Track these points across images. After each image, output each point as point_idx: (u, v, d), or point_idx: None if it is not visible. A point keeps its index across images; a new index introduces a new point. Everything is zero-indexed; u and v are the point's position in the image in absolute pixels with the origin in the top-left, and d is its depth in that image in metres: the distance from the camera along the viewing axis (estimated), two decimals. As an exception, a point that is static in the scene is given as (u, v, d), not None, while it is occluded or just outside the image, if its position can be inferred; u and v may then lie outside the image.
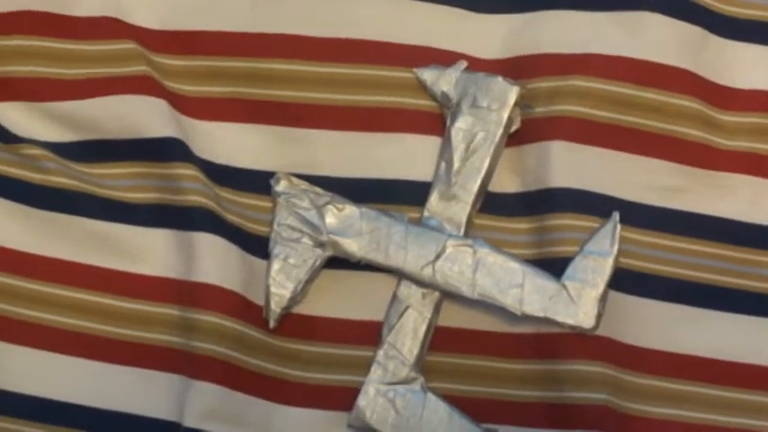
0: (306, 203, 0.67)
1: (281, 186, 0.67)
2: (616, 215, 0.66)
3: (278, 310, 0.67)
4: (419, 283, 0.66)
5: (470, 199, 0.67)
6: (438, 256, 0.66)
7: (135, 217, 0.68)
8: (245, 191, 0.69)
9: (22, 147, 0.69)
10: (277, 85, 0.69)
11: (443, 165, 0.67)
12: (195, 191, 0.67)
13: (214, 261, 0.66)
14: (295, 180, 0.68)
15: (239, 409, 0.66)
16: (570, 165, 0.67)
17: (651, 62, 0.68)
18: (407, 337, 0.66)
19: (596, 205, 0.66)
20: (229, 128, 0.69)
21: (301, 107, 0.69)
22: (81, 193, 0.69)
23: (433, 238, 0.66)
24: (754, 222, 0.68)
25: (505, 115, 0.67)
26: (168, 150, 0.68)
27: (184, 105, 0.69)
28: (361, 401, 0.66)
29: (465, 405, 0.66)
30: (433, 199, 0.67)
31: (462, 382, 0.67)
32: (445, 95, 0.68)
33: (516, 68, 0.68)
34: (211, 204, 0.67)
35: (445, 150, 0.67)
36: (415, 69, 0.68)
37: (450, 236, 0.66)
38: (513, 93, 0.67)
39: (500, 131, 0.67)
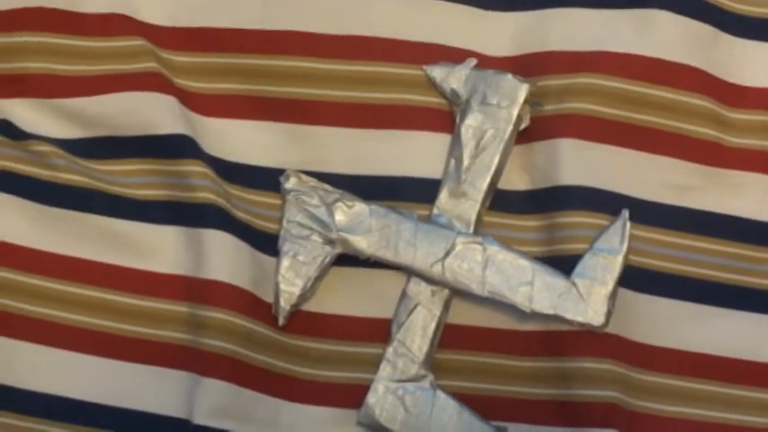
0: (315, 201, 0.67)
1: (290, 183, 0.67)
2: (626, 213, 0.66)
3: (287, 308, 0.67)
4: (428, 280, 0.66)
5: (480, 196, 0.66)
6: (447, 254, 0.66)
7: (144, 214, 0.68)
8: (255, 188, 0.69)
9: (32, 143, 0.69)
10: (287, 82, 0.69)
11: (453, 162, 0.67)
12: (205, 188, 0.67)
13: (223, 258, 0.66)
14: (304, 177, 0.68)
15: (248, 406, 0.66)
16: (580, 162, 0.67)
17: (661, 60, 0.68)
18: (417, 335, 0.66)
19: (606, 203, 0.66)
20: (239, 125, 0.69)
21: (311, 104, 0.69)
22: (90, 189, 0.69)
23: (443, 235, 0.66)
24: (765, 220, 0.67)
25: (515, 112, 0.67)
26: (178, 147, 0.68)
27: (194, 102, 0.69)
28: (371, 399, 0.66)
29: (474, 402, 0.66)
30: (443, 196, 0.67)
31: (471, 379, 0.67)
32: (455, 93, 0.67)
33: (526, 66, 0.68)
34: (221, 201, 0.67)
35: (455, 148, 0.67)
36: (424, 66, 0.68)
37: (459, 233, 0.66)
38: (522, 90, 0.67)
39: (510, 129, 0.67)
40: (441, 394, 0.65)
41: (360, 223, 0.67)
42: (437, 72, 0.68)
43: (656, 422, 0.66)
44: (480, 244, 0.66)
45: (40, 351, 0.68)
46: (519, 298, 0.65)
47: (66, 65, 0.70)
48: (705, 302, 0.66)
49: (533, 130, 0.68)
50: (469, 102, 0.67)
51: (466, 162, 0.67)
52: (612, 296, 0.65)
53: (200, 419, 0.66)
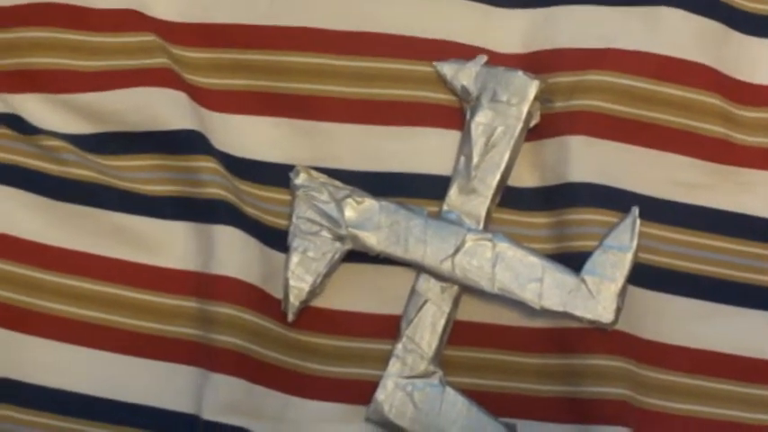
0: (325, 197, 0.67)
1: (300, 179, 0.67)
2: (635, 210, 0.66)
3: (297, 304, 0.67)
4: (438, 276, 0.66)
5: (490, 193, 0.66)
6: (457, 250, 0.66)
7: (154, 209, 0.68)
8: (265, 184, 0.69)
9: (42, 138, 0.69)
10: (297, 79, 0.69)
11: (463, 159, 0.67)
12: (214, 183, 0.67)
13: (233, 254, 0.67)
14: (314, 173, 0.68)
15: (257, 401, 0.66)
16: (590, 159, 0.67)
17: (671, 57, 0.68)
18: (426, 331, 0.66)
19: (616, 200, 0.66)
20: (249, 121, 0.69)
21: (321, 100, 0.69)
22: (100, 185, 0.69)
23: (453, 231, 0.66)
24: (775, 218, 0.68)
25: (525, 110, 0.67)
26: (188, 143, 0.68)
27: (204, 98, 0.69)
28: (380, 395, 0.66)
29: (483, 399, 0.66)
30: (453, 193, 0.67)
31: (481, 376, 0.67)
32: (465, 89, 0.67)
33: (536, 63, 0.68)
34: (230, 197, 0.67)
35: (465, 144, 0.67)
36: (435, 63, 0.68)
37: (469, 230, 0.66)
38: (533, 87, 0.67)
39: (520, 126, 0.67)
40: (450, 391, 0.65)
41: (369, 219, 0.67)
42: (447, 69, 0.68)
43: (666, 420, 0.66)
44: (490, 241, 0.66)
45: (49, 346, 0.68)
46: (528, 295, 0.65)
47: (76, 60, 0.70)
48: (715, 300, 0.66)
49: (543, 127, 0.68)
50: (480, 99, 0.67)
51: (476, 159, 0.67)
52: (622, 293, 0.65)
53: (208, 415, 0.66)
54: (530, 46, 0.69)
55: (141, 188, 0.69)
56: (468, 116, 0.67)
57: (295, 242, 0.67)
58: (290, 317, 0.67)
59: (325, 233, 0.67)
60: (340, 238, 0.67)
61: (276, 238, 0.68)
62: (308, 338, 0.67)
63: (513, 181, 0.68)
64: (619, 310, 0.65)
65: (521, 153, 0.68)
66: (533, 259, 0.65)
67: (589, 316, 0.65)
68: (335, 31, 0.69)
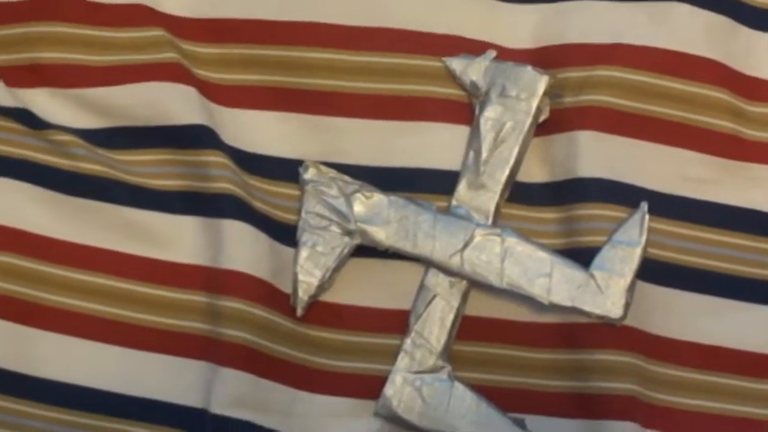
0: (334, 191, 0.67)
1: (309, 174, 0.68)
2: (644, 205, 0.66)
3: (305, 298, 0.67)
4: (447, 271, 0.66)
5: (499, 188, 0.67)
6: (466, 245, 0.66)
7: (163, 204, 0.68)
8: (274, 178, 0.69)
9: (51, 132, 0.69)
10: (306, 74, 0.69)
11: (472, 154, 0.67)
12: (224, 178, 0.67)
13: (242, 248, 0.67)
14: (323, 168, 0.68)
15: (266, 396, 0.66)
16: (599, 154, 0.67)
17: (680, 52, 0.68)
18: (435, 326, 0.66)
19: (625, 195, 0.66)
20: (258, 115, 0.69)
21: (330, 95, 0.69)
22: (110, 179, 0.69)
23: (462, 226, 0.66)
24: (784, 214, 0.68)
25: (534, 105, 0.67)
26: (197, 137, 0.68)
27: (213, 93, 0.70)
28: (388, 390, 0.66)
29: (492, 394, 0.66)
30: (462, 188, 0.67)
31: (489, 371, 0.67)
32: (474, 84, 0.68)
33: (545, 58, 0.68)
34: (240, 192, 0.67)
35: (474, 139, 0.67)
36: (444, 58, 0.68)
37: (478, 225, 0.66)
38: (542, 82, 0.67)
39: (529, 121, 0.67)
40: (458, 386, 0.65)
41: (378, 214, 0.67)
42: (456, 64, 0.68)
43: (674, 415, 0.66)
44: (499, 236, 0.66)
45: (58, 340, 0.68)
46: (537, 290, 0.65)
47: (86, 55, 0.70)
48: (724, 296, 0.66)
49: (552, 123, 0.68)
50: (489, 94, 0.67)
51: (485, 154, 0.67)
52: (631, 288, 0.65)
53: (217, 409, 0.66)
54: (539, 41, 0.69)
55: (151, 183, 0.69)
56: (477, 111, 0.67)
57: (304, 237, 0.67)
58: (299, 311, 0.67)
59: (334, 228, 0.67)
60: (349, 233, 0.67)
61: (285, 233, 0.68)
62: (317, 333, 0.67)
63: (522, 176, 0.68)
64: (627, 306, 0.65)
65: (530, 148, 0.68)
66: (542, 254, 0.65)
67: (598, 311, 0.65)
68: (345, 26, 0.69)
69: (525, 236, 0.66)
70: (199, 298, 0.68)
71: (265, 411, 0.66)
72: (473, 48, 0.69)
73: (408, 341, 0.66)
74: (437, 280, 0.66)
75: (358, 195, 0.67)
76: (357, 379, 0.67)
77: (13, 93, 0.70)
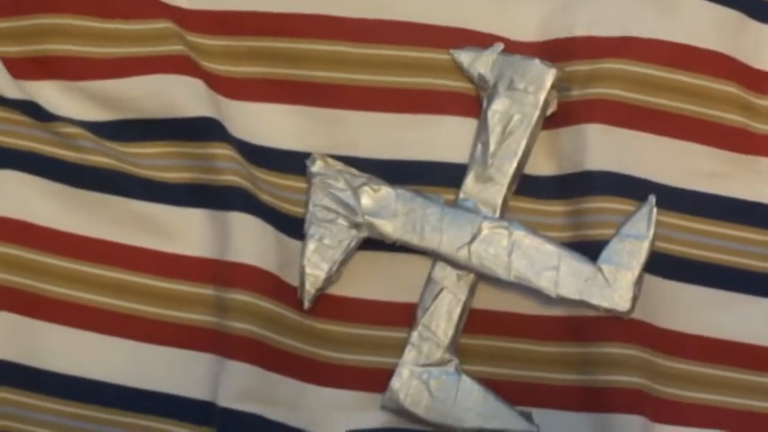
0: (341, 184, 0.67)
1: (316, 167, 0.67)
2: (652, 198, 0.66)
3: (312, 291, 0.67)
4: (454, 264, 0.66)
5: (506, 181, 0.66)
6: (473, 238, 0.66)
7: (171, 196, 0.68)
8: (281, 171, 0.69)
9: (58, 125, 0.69)
10: (314, 66, 0.69)
11: (479, 147, 0.67)
12: (231, 170, 0.67)
13: (249, 241, 0.67)
14: (331, 161, 0.68)
15: (273, 388, 0.66)
16: (606, 148, 0.66)
17: (688, 46, 0.67)
18: (442, 319, 0.66)
19: (632, 188, 0.66)
20: (265, 108, 0.69)
21: (338, 88, 0.69)
22: (117, 172, 0.69)
23: (469, 219, 0.66)
24: (793, 207, 0.67)
25: (542, 98, 0.67)
26: (204, 130, 0.68)
27: (221, 85, 0.69)
28: (395, 383, 0.66)
29: (499, 387, 0.66)
30: (469, 181, 0.67)
31: (497, 364, 0.66)
32: (482, 77, 0.67)
33: (553, 51, 0.68)
34: (247, 184, 0.67)
35: (481, 132, 0.67)
36: (451, 51, 0.68)
37: (485, 218, 0.66)
38: (549, 75, 0.67)
39: (536, 114, 0.67)
40: (465, 379, 0.65)
41: (386, 207, 0.67)
42: (464, 57, 0.68)
43: (681, 408, 0.66)
44: (506, 229, 0.66)
45: (65, 333, 0.68)
46: (545, 283, 0.65)
47: (93, 47, 0.70)
48: (732, 289, 0.66)
49: (560, 116, 0.68)
50: (496, 87, 0.67)
51: (492, 147, 0.67)
52: (638, 282, 0.65)
53: (224, 402, 0.66)
54: (547, 34, 0.69)
55: (158, 175, 0.69)
56: (484, 104, 0.67)
57: (311, 230, 0.67)
58: (306, 304, 0.67)
59: (341, 221, 0.67)
60: (356, 226, 0.67)
61: (292, 226, 0.68)
62: (324, 326, 0.67)
63: (530, 169, 0.68)
64: (635, 299, 0.65)
65: (537, 141, 0.68)
66: (550, 247, 0.65)
67: (605, 304, 0.65)
68: (352, 18, 0.69)
69: (533, 229, 0.66)
70: (206, 291, 0.68)
71: (272, 404, 0.66)
72: (481, 40, 0.69)
73: (415, 334, 0.66)
74: (444, 273, 0.66)
75: (365, 188, 0.67)
76: (364, 372, 0.67)
77: (20, 85, 0.70)
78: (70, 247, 0.68)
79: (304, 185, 0.68)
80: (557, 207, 0.67)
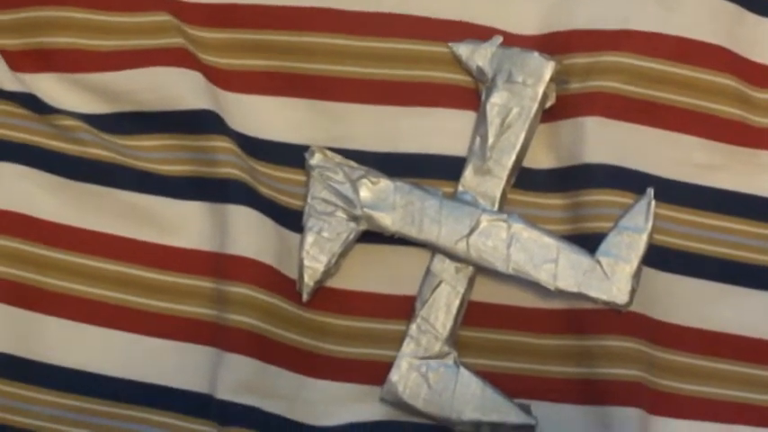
0: (340, 177, 0.67)
1: (315, 160, 0.67)
2: (651, 191, 0.66)
3: (311, 284, 0.67)
4: (453, 257, 0.66)
5: (505, 174, 0.66)
6: (472, 231, 0.66)
7: (169, 189, 0.68)
8: (280, 164, 0.69)
9: (57, 117, 0.69)
10: (313, 59, 0.69)
11: (478, 140, 0.67)
12: (229, 163, 0.67)
13: (248, 234, 0.67)
14: (329, 153, 0.68)
15: (271, 381, 0.66)
16: (605, 140, 0.66)
17: (686, 39, 0.67)
18: (441, 312, 0.66)
19: (631, 181, 0.66)
20: (264, 101, 0.69)
21: (337, 81, 0.69)
22: (116, 164, 0.69)
23: (468, 212, 0.66)
24: (791, 200, 0.67)
25: (541, 90, 0.67)
26: (203, 123, 0.68)
27: (219, 78, 0.69)
28: (394, 376, 0.66)
29: (497, 380, 0.66)
30: (468, 174, 0.67)
31: (495, 357, 0.67)
32: (480, 70, 0.67)
33: (552, 44, 0.68)
34: (246, 177, 0.67)
35: (480, 125, 0.67)
36: (450, 44, 0.68)
37: (484, 210, 0.66)
38: (548, 68, 0.67)
39: (535, 107, 0.67)
40: (464, 371, 0.65)
41: (384, 200, 0.67)
42: (463, 49, 0.68)
43: (679, 401, 0.66)
44: (505, 221, 0.66)
45: (64, 325, 0.68)
46: (543, 275, 0.65)
47: (92, 40, 0.70)
48: (729, 282, 0.66)
49: (559, 109, 0.68)
50: (495, 79, 0.67)
51: (491, 140, 0.67)
52: (637, 274, 0.65)
53: (222, 394, 0.66)
54: (545, 27, 0.69)
55: (157, 168, 0.69)
56: (483, 97, 0.67)
57: (310, 222, 0.67)
58: (305, 297, 0.67)
59: (339, 213, 0.67)
60: (355, 219, 0.67)
61: (291, 219, 0.68)
62: (323, 318, 0.67)
63: (529, 162, 0.68)
64: (633, 292, 0.65)
65: (536, 134, 0.68)
66: (548, 240, 0.65)
67: (604, 297, 0.65)
68: (351, 11, 0.69)
69: (531, 222, 0.66)
70: (205, 283, 0.68)
71: (271, 397, 0.66)
72: (480, 33, 0.69)
73: (414, 327, 0.66)
74: (443, 266, 0.66)
75: (364, 181, 0.67)
76: (363, 364, 0.67)
77: (19, 77, 0.70)
78: (69, 239, 0.68)
79: (303, 178, 0.68)
80: (555, 200, 0.67)
